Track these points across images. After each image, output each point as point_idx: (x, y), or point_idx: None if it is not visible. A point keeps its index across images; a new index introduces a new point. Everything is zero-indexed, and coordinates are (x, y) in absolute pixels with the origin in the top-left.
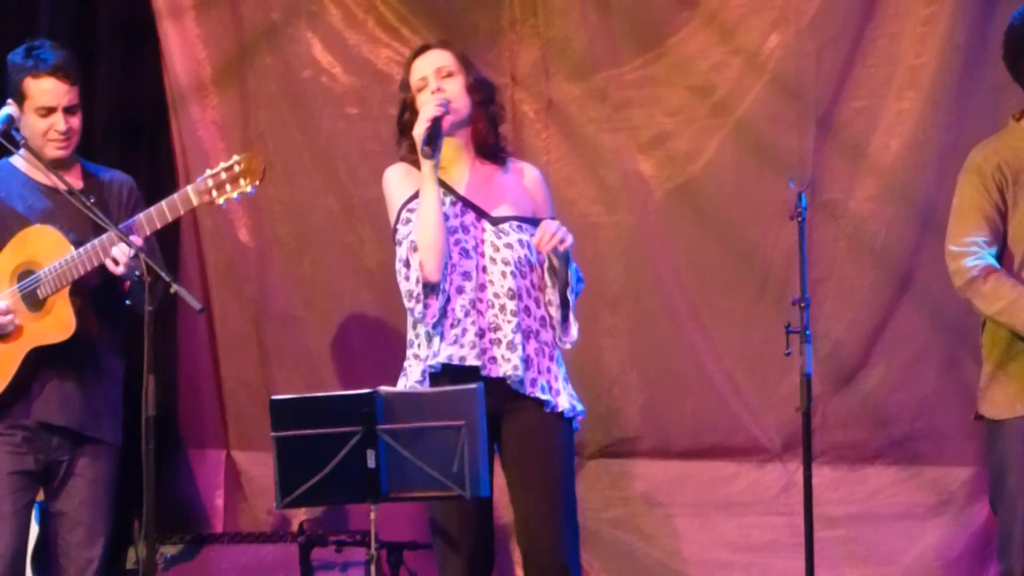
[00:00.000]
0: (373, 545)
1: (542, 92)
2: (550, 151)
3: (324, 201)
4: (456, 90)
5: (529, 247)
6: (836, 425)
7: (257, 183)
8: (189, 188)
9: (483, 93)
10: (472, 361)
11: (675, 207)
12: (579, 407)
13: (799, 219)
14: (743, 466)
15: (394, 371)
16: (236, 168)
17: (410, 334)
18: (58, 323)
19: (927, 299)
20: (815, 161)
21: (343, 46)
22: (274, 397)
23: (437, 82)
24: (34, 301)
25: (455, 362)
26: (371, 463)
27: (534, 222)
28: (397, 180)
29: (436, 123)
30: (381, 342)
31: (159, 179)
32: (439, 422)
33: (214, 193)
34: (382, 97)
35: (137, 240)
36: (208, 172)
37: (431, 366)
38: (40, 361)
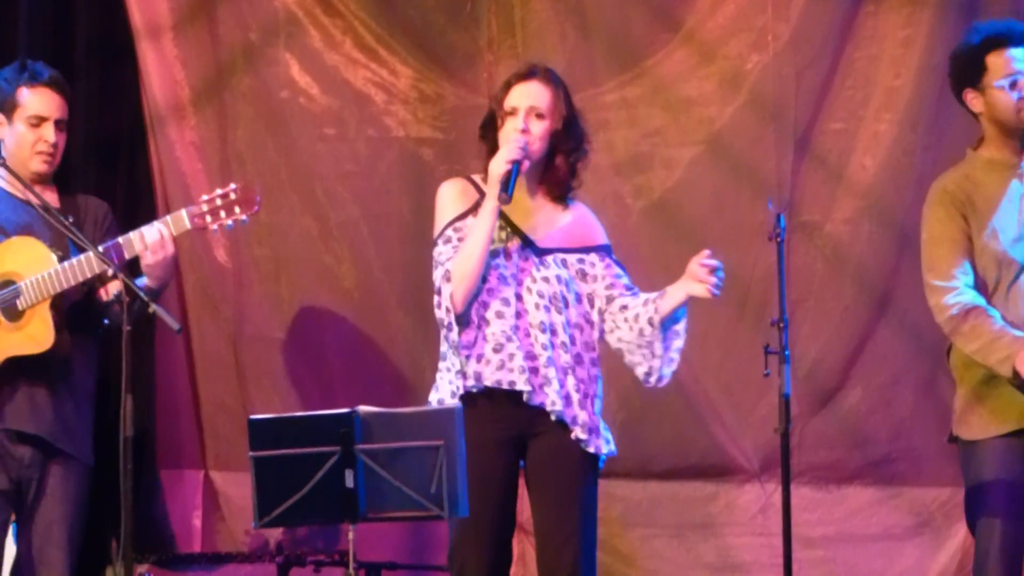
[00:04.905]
0: (352, 565)
1: None
2: None
3: (301, 222)
4: (539, 133)
5: (568, 284)
6: (814, 446)
7: (250, 212)
8: (183, 211)
9: (572, 142)
10: (522, 386)
11: (653, 228)
12: (609, 448)
13: (778, 240)
14: (721, 487)
15: (372, 390)
16: (232, 196)
17: (443, 347)
18: (35, 335)
19: (905, 320)
20: (793, 182)
21: (321, 67)
22: (252, 417)
23: (525, 121)
24: (12, 312)
25: (504, 387)
26: (349, 483)
27: (584, 251)
28: (451, 196)
29: (514, 166)
30: (359, 362)
31: (137, 200)
32: (418, 442)
33: (208, 219)
34: (360, 118)
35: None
36: (204, 197)
37: (479, 388)
38: (13, 371)
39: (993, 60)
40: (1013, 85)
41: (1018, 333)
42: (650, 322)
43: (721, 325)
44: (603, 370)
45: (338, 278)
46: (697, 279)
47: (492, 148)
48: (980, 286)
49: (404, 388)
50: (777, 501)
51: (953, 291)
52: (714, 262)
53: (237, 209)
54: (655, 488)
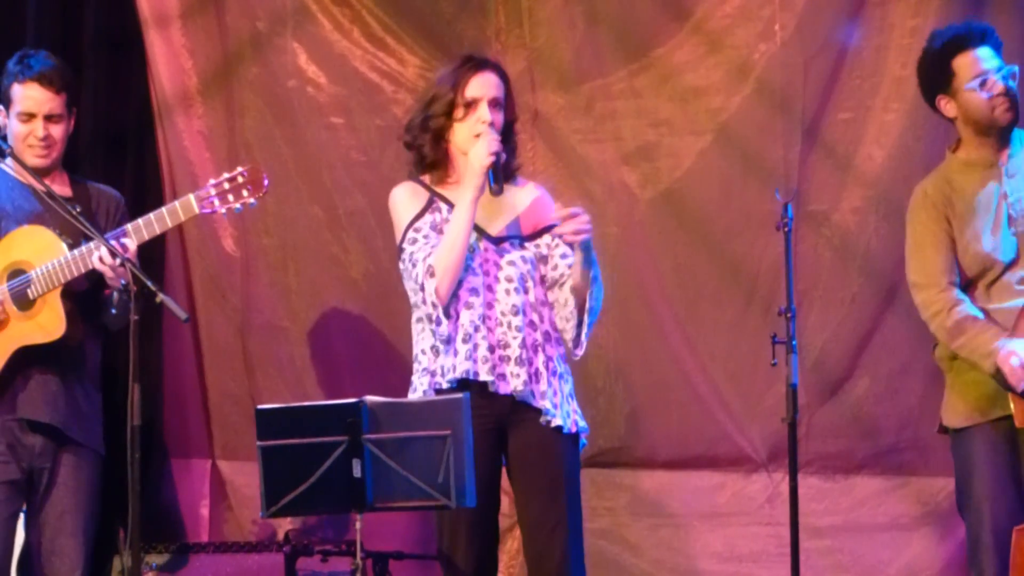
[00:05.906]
0: (359, 555)
1: (528, 103)
2: (535, 162)
3: (309, 211)
4: (499, 124)
5: (533, 263)
6: (822, 435)
7: (259, 195)
8: (192, 195)
9: (511, 131)
10: (485, 376)
11: (661, 218)
12: (581, 423)
13: (785, 230)
14: (729, 476)
15: (379, 380)
16: (240, 179)
17: (415, 349)
18: (47, 324)
19: (912, 310)
20: (801, 172)
21: (328, 56)
22: (260, 407)
23: (491, 114)
24: (24, 301)
25: (469, 377)
26: (357, 473)
27: (535, 236)
28: (404, 199)
29: (496, 158)
30: (366, 352)
31: (144, 189)
32: (425, 432)
33: (216, 203)
34: (367, 107)
35: (130, 249)
36: (212, 181)
37: (451, 381)
38: (26, 360)
39: (960, 63)
40: (983, 84)
41: (1001, 331)
42: (572, 289)
43: (729, 315)
44: (613, 359)
45: (345, 267)
46: (564, 236)
47: (437, 136)
48: (964, 284)
49: (411, 378)
50: (784, 491)
51: (938, 289)
52: (565, 211)
53: (245, 192)
54: (662, 478)
